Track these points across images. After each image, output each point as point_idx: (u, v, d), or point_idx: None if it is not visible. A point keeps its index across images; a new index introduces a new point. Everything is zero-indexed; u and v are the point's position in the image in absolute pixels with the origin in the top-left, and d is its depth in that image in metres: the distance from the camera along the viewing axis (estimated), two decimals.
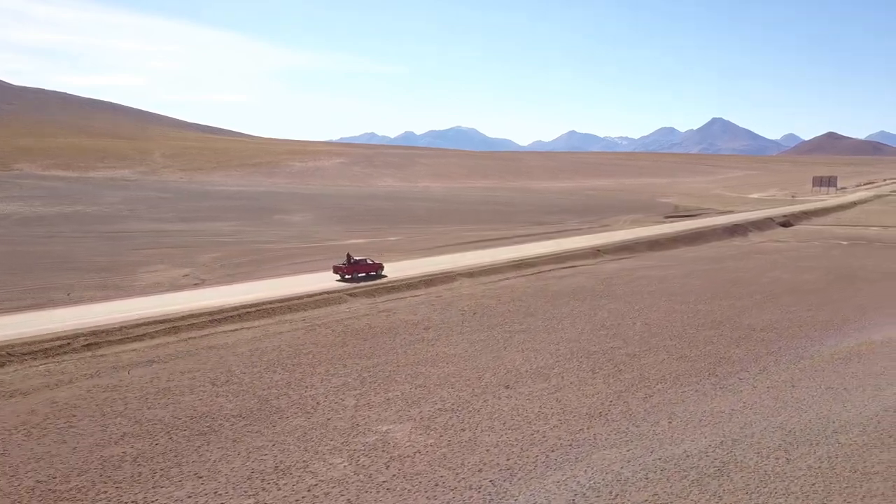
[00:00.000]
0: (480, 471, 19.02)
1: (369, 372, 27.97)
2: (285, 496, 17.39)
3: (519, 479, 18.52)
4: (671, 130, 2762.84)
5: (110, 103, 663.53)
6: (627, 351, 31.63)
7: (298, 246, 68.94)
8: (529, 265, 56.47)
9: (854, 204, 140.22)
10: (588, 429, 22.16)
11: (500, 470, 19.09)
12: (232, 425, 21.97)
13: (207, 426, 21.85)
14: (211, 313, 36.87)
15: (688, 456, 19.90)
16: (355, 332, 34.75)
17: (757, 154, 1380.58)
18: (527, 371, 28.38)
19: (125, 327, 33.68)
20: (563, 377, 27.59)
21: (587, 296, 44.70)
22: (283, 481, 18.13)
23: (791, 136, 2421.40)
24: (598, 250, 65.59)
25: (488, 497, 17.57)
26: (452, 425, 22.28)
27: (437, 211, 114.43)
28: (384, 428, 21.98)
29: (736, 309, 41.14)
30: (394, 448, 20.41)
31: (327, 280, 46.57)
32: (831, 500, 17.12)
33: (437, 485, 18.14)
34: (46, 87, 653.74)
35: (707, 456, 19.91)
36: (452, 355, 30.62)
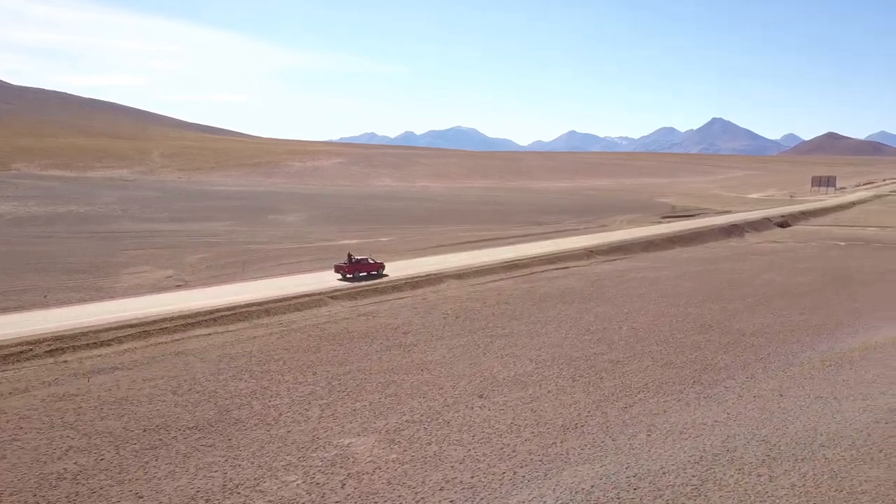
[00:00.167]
0: (442, 489, 17.88)
1: (339, 380, 26.83)
2: None
3: (482, 500, 17.38)
4: (671, 130, 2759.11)
5: (110, 103, 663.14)
6: (611, 357, 30.46)
7: (289, 246, 67.78)
8: (520, 266, 55.34)
9: (853, 204, 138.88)
10: (561, 442, 21.00)
11: (464, 489, 17.95)
12: (185, 438, 20.84)
13: (159, 439, 20.72)
14: (185, 317, 35.76)
15: (664, 473, 18.76)
16: (331, 336, 33.62)
17: (757, 154, 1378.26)
18: (504, 379, 27.22)
19: (94, 331, 32.56)
20: (540, 385, 26.43)
21: (575, 298, 43.54)
22: (229, 502, 16.99)
23: (791, 136, 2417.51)
24: (591, 251, 64.40)
25: None
26: (419, 438, 21.14)
27: (434, 211, 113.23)
28: (346, 441, 20.84)
29: (727, 312, 39.96)
30: (353, 464, 19.27)
31: (313, 282, 45.48)
32: None
33: None
34: (46, 87, 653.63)
35: (685, 472, 18.77)
36: (429, 362, 29.48)
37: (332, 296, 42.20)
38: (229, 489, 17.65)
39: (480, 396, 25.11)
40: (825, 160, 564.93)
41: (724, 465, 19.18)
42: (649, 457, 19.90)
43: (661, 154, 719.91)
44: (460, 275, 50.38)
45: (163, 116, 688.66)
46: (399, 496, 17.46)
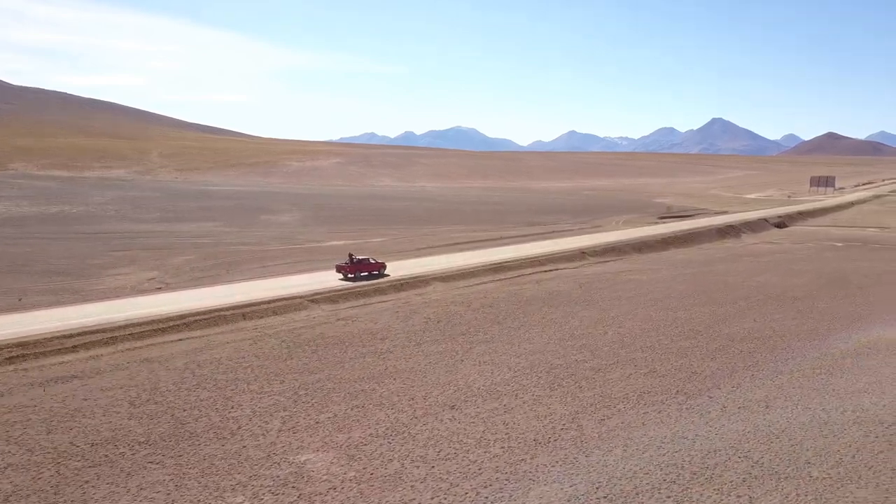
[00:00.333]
0: None
1: (307, 389, 25.68)
2: None
3: None
4: (671, 130, 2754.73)
5: (110, 103, 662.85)
6: (593, 364, 29.28)
7: (278, 248, 66.69)
8: (509, 268, 54.19)
9: (851, 204, 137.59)
10: (531, 458, 19.82)
11: None
12: (133, 454, 19.68)
13: (105, 456, 19.56)
14: (157, 321, 34.64)
15: (637, 493, 17.60)
16: (305, 342, 32.46)
17: (757, 154, 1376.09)
18: (479, 388, 26.05)
19: (60, 337, 31.44)
20: (516, 396, 25.26)
21: (562, 302, 42.35)
22: None
23: (791, 137, 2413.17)
24: (583, 252, 63.23)
25: None
26: (381, 454, 19.97)
27: (431, 211, 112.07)
28: (303, 458, 19.67)
29: (717, 316, 38.77)
30: (306, 483, 18.10)
31: (297, 284, 44.40)
32: None
33: None
34: (46, 87, 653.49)
35: (659, 493, 17.62)
36: (403, 370, 28.32)
37: (313, 299, 41.06)
38: None
39: (452, 408, 23.94)
40: (825, 160, 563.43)
41: (701, 485, 18.02)
42: (623, 475, 18.72)
43: (661, 154, 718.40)
44: (447, 277, 49.24)
45: (163, 116, 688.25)
46: None
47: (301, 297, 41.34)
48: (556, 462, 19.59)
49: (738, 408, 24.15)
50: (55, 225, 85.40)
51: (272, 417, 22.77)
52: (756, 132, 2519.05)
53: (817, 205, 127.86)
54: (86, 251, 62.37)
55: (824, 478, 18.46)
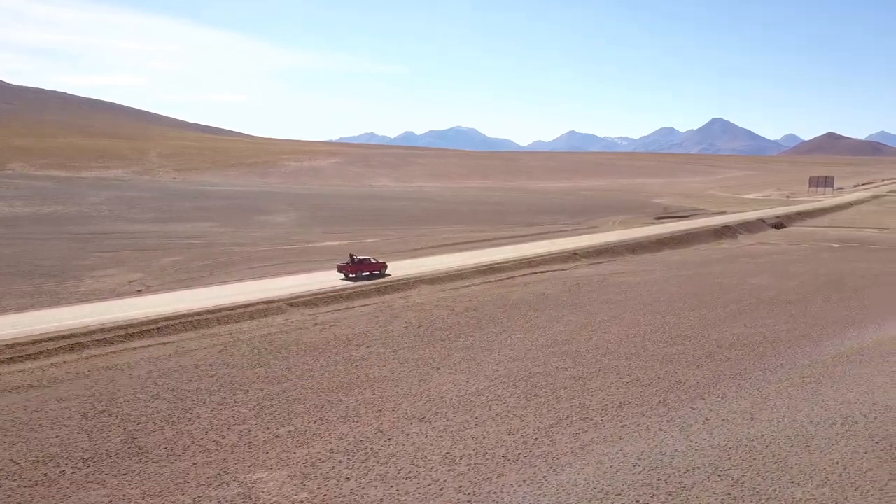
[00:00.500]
0: None
1: (271, 400, 24.53)
2: None
3: None
4: (671, 130, 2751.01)
5: (110, 103, 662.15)
6: (573, 373, 28.10)
7: (269, 248, 65.48)
8: (498, 270, 53.05)
9: (850, 204, 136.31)
10: (498, 477, 18.66)
11: None
12: (74, 473, 18.53)
13: (45, 474, 18.42)
14: (128, 326, 33.49)
15: None
16: (277, 349, 31.31)
17: (757, 154, 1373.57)
18: (452, 399, 24.89)
19: (23, 343, 30.30)
20: (490, 407, 24.10)
21: (548, 305, 41.18)
22: None
23: (791, 137, 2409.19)
24: (576, 254, 62.05)
25: None
26: (338, 473, 18.81)
27: (428, 211, 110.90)
28: (254, 477, 18.52)
29: (707, 321, 37.58)
30: None
31: (279, 287, 43.26)
32: None
33: None
34: (46, 87, 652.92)
35: None
36: (374, 378, 27.17)
37: (292, 303, 39.92)
38: None
39: (421, 420, 22.78)
40: (825, 160, 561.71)
41: None
42: (594, 496, 17.57)
43: (660, 154, 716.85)
44: (433, 279, 48.10)
45: (163, 116, 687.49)
46: None
47: (280, 300, 40.20)
48: (524, 481, 18.44)
49: (722, 420, 22.97)
50: (48, 225, 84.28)
51: (230, 431, 21.62)
52: (756, 132, 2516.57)
53: (815, 205, 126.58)
54: (74, 252, 61.22)
55: (808, 499, 17.30)
